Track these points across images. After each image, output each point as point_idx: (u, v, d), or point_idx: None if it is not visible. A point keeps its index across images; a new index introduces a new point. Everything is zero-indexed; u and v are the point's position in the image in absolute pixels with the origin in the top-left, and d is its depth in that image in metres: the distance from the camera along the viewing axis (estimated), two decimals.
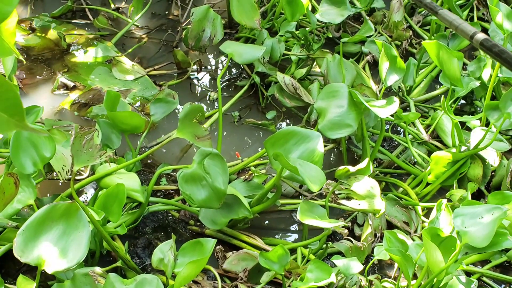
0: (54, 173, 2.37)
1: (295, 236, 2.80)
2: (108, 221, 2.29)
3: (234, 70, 3.60)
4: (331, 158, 3.13)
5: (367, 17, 3.62)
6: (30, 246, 1.86)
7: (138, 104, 3.21)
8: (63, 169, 2.29)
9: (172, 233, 2.46)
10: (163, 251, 2.09)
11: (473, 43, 1.69)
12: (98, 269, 2.05)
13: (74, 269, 1.96)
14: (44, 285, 2.21)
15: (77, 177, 2.58)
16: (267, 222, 2.82)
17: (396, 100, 2.56)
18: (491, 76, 2.93)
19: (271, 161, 2.32)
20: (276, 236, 2.78)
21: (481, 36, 1.68)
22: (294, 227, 2.83)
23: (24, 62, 3.34)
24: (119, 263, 2.29)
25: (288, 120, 3.33)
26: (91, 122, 3.08)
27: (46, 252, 1.87)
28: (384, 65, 2.69)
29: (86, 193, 2.80)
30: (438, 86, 3.56)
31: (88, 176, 2.62)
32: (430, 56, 2.60)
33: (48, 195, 2.64)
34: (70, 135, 2.44)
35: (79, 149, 2.10)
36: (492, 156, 2.80)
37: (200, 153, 2.37)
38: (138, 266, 2.44)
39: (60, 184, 2.75)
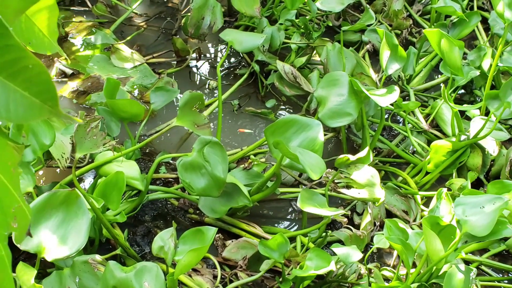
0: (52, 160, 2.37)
1: (294, 224, 2.80)
2: (108, 209, 2.29)
3: (233, 59, 3.59)
4: (330, 147, 3.13)
5: (367, 6, 3.60)
6: None
7: (136, 92, 3.20)
8: (63, 157, 2.28)
9: (172, 221, 2.46)
10: (164, 239, 2.09)
11: None
12: (97, 257, 2.06)
13: (74, 257, 1.96)
14: (43, 272, 2.21)
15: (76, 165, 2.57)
16: (266, 210, 2.82)
17: (397, 89, 2.55)
18: (491, 65, 2.93)
19: (271, 149, 2.31)
20: (275, 224, 2.78)
21: None
22: (293, 215, 2.83)
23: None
24: (118, 251, 2.29)
25: (287, 109, 3.32)
26: (90, 110, 3.07)
27: (45, 240, 1.87)
28: (385, 54, 2.68)
29: (84, 181, 2.80)
30: (437, 75, 3.56)
31: (87, 164, 2.61)
32: (431, 44, 2.60)
33: (42, 182, 2.63)
34: (69, 122, 2.43)
35: (83, 136, 2.09)
36: (491, 146, 2.80)
37: (200, 141, 2.36)
38: (138, 254, 2.44)
39: (58, 171, 2.74)
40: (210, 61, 3.59)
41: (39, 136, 2.17)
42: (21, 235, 0.82)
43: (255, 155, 2.89)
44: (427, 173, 2.81)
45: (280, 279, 2.27)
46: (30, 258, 2.29)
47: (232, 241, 2.47)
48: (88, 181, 2.80)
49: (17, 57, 0.66)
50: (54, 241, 1.87)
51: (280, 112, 3.31)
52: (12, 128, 1.87)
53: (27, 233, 0.84)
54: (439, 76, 3.52)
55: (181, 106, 2.61)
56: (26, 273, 1.77)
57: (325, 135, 2.95)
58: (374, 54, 3.55)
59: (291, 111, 3.30)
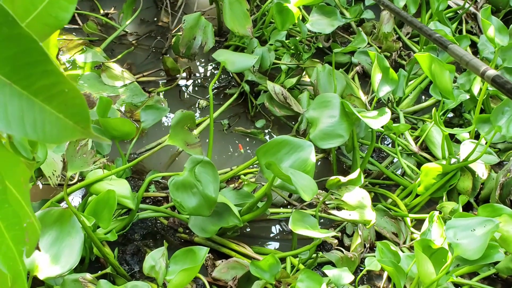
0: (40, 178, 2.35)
1: (284, 245, 2.79)
2: (98, 227, 2.28)
3: (223, 78, 3.59)
4: (319, 168, 3.13)
5: (359, 29, 3.63)
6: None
7: (123, 109, 3.19)
8: (54, 174, 2.27)
9: (163, 240, 2.44)
10: (155, 258, 2.08)
11: (484, 79, 1.67)
12: (88, 276, 2.04)
13: (65, 275, 1.94)
14: None
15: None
16: (255, 230, 2.81)
17: (388, 112, 2.57)
18: (481, 89, 2.96)
19: (263, 169, 2.31)
20: (265, 245, 2.77)
21: (492, 72, 1.67)
22: (282, 236, 2.83)
23: None
24: (108, 270, 2.27)
25: (276, 129, 3.33)
26: None
27: (38, 258, 1.85)
28: (376, 76, 2.70)
29: (72, 199, 2.78)
30: (425, 97, 3.58)
31: (76, 182, 2.60)
32: (422, 68, 2.62)
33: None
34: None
35: (73, 155, 2.08)
36: (480, 169, 2.82)
37: (192, 161, 2.36)
38: (127, 273, 2.42)
39: (41, 188, 2.72)
40: (200, 80, 3.59)
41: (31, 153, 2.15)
42: (31, 249, 0.84)
43: (245, 175, 2.89)
44: (417, 195, 2.82)
45: None
46: None
47: (222, 261, 2.46)
48: (71, 199, 2.78)
49: (54, 82, 0.69)
50: (47, 259, 1.85)
51: (268, 132, 3.31)
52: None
53: (36, 247, 0.86)
54: (427, 98, 3.55)
55: (172, 125, 2.60)
56: None
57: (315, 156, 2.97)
58: (364, 76, 3.57)
59: (274, 134, 3.30)
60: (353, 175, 2.33)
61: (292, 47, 3.45)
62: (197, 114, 3.35)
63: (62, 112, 0.70)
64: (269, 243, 2.80)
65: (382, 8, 3.68)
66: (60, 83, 0.69)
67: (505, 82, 1.50)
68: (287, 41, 3.48)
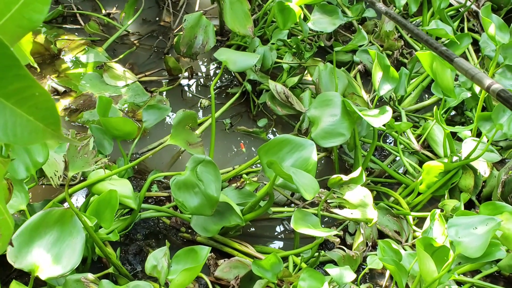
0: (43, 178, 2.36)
1: (286, 244, 2.79)
2: (100, 227, 2.28)
3: (225, 78, 3.59)
4: (321, 167, 3.13)
5: (360, 26, 3.63)
6: (24, 252, 1.84)
7: (125, 107, 3.20)
8: (55, 175, 2.27)
9: (165, 240, 2.45)
10: (157, 258, 2.08)
11: (489, 93, 1.68)
12: (90, 276, 2.04)
13: (67, 276, 1.95)
14: None
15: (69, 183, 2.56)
16: (258, 229, 2.81)
17: (389, 110, 2.56)
18: None
19: (265, 168, 2.31)
20: (267, 243, 2.77)
21: (497, 86, 1.67)
22: (284, 235, 2.83)
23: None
24: (111, 270, 2.27)
25: (278, 128, 3.33)
26: (82, 128, 3.06)
27: (40, 258, 1.85)
28: (377, 75, 2.70)
29: (76, 200, 2.79)
30: (427, 96, 3.58)
31: (79, 182, 2.60)
32: (423, 66, 2.61)
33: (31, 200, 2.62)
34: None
35: (74, 155, 2.08)
36: (482, 167, 2.81)
37: (193, 160, 2.36)
38: (129, 273, 2.42)
39: (43, 188, 2.73)
40: (202, 79, 3.60)
41: (33, 153, 2.16)
42: (4, 245, 0.85)
43: (247, 174, 2.89)
44: (419, 193, 2.82)
45: None
46: (21, 276, 2.27)
47: (225, 261, 2.46)
48: (75, 199, 2.79)
49: (25, 86, 0.72)
50: (48, 259, 1.85)
51: (270, 131, 3.31)
52: None
53: (9, 242, 0.87)
54: (429, 97, 3.55)
55: (174, 124, 2.61)
56: None
57: (317, 154, 2.96)
58: (365, 75, 3.57)
59: (276, 133, 3.30)
60: (355, 174, 2.33)
61: (294, 46, 3.45)
62: (199, 114, 3.36)
63: (33, 115, 0.72)
64: (272, 242, 2.80)
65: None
66: (31, 87, 0.71)
67: (509, 96, 1.50)
68: (288, 40, 3.48)
